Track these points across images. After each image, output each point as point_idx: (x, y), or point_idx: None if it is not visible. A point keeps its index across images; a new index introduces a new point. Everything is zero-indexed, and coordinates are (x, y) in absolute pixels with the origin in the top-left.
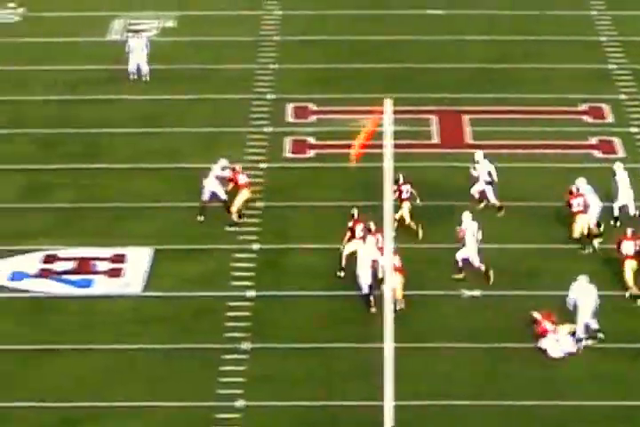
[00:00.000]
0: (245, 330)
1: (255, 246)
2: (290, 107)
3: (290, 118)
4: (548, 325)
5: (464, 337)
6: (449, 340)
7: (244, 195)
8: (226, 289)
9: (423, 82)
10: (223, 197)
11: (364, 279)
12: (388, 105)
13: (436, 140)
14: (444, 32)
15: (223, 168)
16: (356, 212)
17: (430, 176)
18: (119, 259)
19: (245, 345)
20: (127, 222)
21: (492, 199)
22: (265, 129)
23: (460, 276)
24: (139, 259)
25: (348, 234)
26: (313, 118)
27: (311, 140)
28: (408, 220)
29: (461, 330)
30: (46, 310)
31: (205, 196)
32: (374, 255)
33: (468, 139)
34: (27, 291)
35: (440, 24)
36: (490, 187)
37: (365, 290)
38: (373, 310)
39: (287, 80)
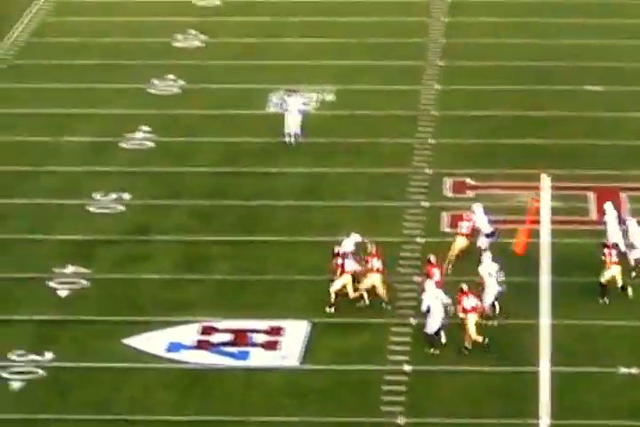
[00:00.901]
0: (402, 404)
1: (413, 321)
2: (448, 181)
3: (448, 193)
4: None
5: (622, 414)
6: (607, 417)
7: (345, 279)
8: (383, 363)
9: (581, 158)
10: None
11: (435, 321)
12: (546, 181)
13: (593, 216)
14: (602, 108)
15: (357, 244)
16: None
17: (587, 253)
18: (276, 331)
19: (401, 420)
20: (284, 295)
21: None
22: (422, 203)
23: (494, 323)
24: (296, 331)
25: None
26: (471, 193)
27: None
28: (454, 253)
29: (619, 407)
30: (203, 382)
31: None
32: (441, 297)
33: (626, 216)
34: (184, 362)
35: (598, 100)
36: (487, 240)
37: (432, 330)
38: (437, 351)
39: (445, 155)
